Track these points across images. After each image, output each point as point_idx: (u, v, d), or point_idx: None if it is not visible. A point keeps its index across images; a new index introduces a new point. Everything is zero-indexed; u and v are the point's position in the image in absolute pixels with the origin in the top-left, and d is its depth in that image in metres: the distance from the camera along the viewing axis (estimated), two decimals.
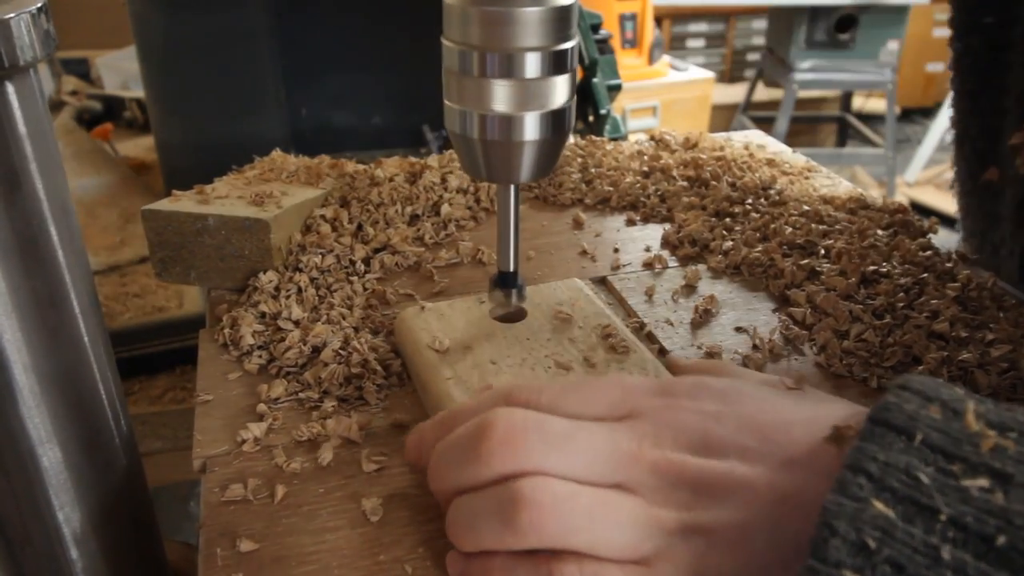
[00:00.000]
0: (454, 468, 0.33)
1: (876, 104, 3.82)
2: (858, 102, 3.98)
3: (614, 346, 0.45)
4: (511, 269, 0.44)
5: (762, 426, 0.31)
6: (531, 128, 0.39)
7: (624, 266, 0.58)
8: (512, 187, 0.42)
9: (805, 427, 0.30)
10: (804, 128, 3.90)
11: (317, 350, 0.46)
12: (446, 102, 0.40)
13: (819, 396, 0.35)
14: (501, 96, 0.38)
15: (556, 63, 0.38)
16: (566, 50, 0.38)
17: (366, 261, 0.56)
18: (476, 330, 0.46)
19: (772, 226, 0.60)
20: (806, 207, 0.63)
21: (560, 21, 0.38)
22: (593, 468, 0.31)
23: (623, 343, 0.45)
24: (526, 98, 0.38)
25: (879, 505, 0.24)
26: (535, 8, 0.37)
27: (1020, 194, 0.57)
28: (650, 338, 0.50)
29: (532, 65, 0.38)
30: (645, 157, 0.74)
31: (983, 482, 0.25)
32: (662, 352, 0.48)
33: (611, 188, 0.68)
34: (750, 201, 0.65)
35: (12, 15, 0.31)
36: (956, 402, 0.27)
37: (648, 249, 0.60)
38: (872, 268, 0.53)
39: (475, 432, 0.33)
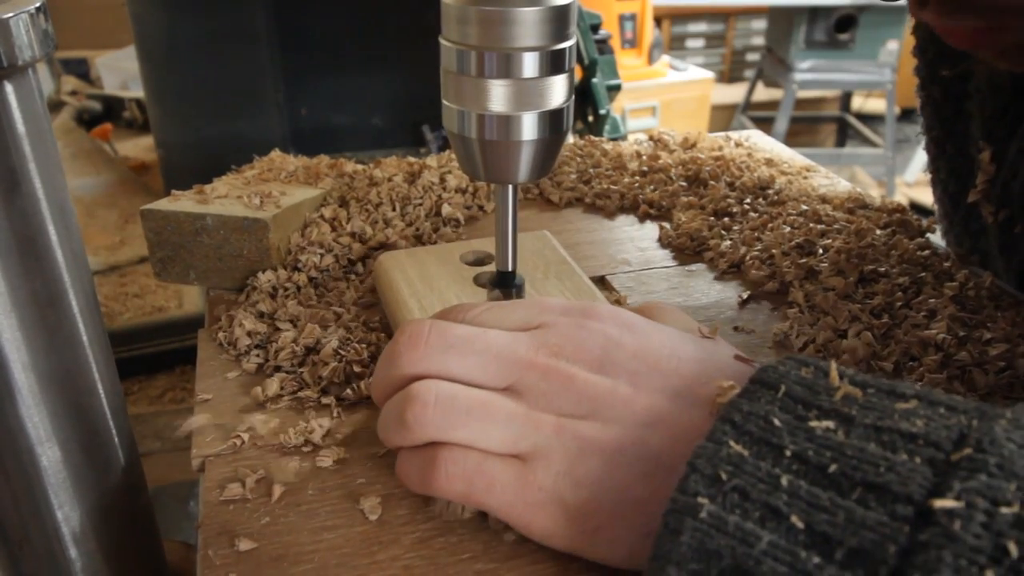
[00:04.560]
0: (377, 375, 0.37)
1: (876, 104, 3.82)
2: (857, 102, 3.98)
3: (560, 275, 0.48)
4: (510, 269, 0.45)
5: (657, 358, 0.34)
6: (529, 128, 0.39)
7: (623, 266, 0.58)
8: (510, 187, 0.42)
9: (694, 366, 0.34)
10: (804, 128, 3.90)
11: (313, 350, 0.46)
12: (444, 102, 0.40)
13: (723, 346, 0.37)
14: (499, 96, 0.38)
15: (554, 63, 0.38)
16: (564, 50, 0.38)
17: (364, 261, 0.56)
18: (448, 273, 0.48)
19: (770, 226, 0.60)
20: (804, 207, 0.63)
21: (558, 21, 0.38)
22: (488, 369, 0.35)
23: (567, 270, 0.47)
24: (524, 98, 0.38)
25: (736, 446, 0.28)
26: (533, 8, 0.37)
27: (1000, 238, 0.58)
28: None
29: (530, 65, 0.38)
30: (644, 157, 0.74)
31: (829, 424, 0.27)
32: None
33: (610, 188, 0.68)
34: (748, 201, 0.65)
35: (11, 15, 0.31)
36: (825, 365, 0.30)
37: (647, 249, 0.60)
38: (870, 267, 0.53)
39: (393, 340, 0.37)
